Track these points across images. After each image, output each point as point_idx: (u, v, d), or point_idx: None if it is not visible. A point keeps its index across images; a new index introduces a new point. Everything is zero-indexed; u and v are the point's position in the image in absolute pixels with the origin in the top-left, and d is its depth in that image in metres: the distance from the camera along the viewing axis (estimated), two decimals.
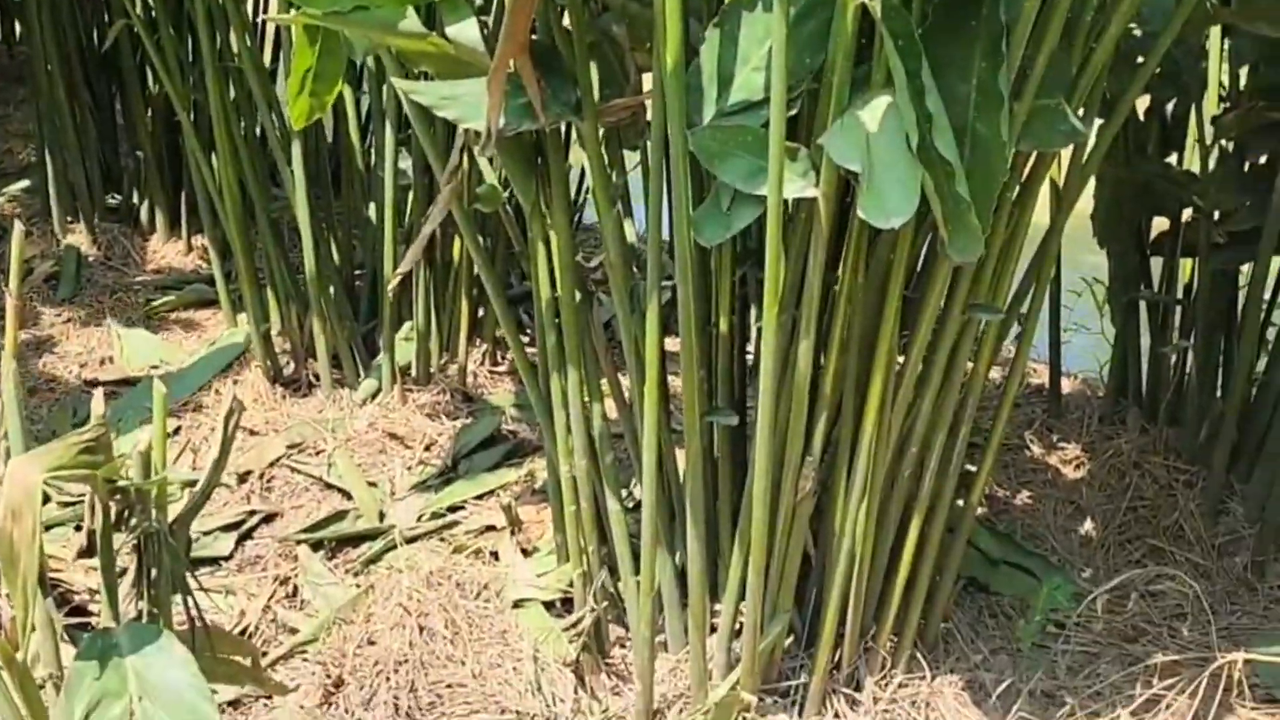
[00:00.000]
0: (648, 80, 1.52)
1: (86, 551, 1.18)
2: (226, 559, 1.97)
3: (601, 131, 1.49)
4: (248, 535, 2.02)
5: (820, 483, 1.55)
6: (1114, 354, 2.36)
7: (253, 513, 2.06)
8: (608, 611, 1.73)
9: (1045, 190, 2.05)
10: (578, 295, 1.58)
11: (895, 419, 1.52)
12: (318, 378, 2.38)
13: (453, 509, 2.07)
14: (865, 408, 1.49)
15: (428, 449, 2.21)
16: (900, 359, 1.50)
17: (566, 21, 1.43)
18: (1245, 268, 2.16)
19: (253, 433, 2.25)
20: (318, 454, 2.20)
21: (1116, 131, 1.61)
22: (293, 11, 1.32)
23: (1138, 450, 2.20)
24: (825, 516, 1.61)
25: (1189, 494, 2.11)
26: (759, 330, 1.65)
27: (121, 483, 1.11)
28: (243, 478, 2.14)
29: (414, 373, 2.39)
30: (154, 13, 2.40)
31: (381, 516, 2.05)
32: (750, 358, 1.91)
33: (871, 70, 1.31)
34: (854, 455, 1.53)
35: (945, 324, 1.48)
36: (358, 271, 2.56)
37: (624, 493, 1.71)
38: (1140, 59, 1.96)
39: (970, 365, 1.57)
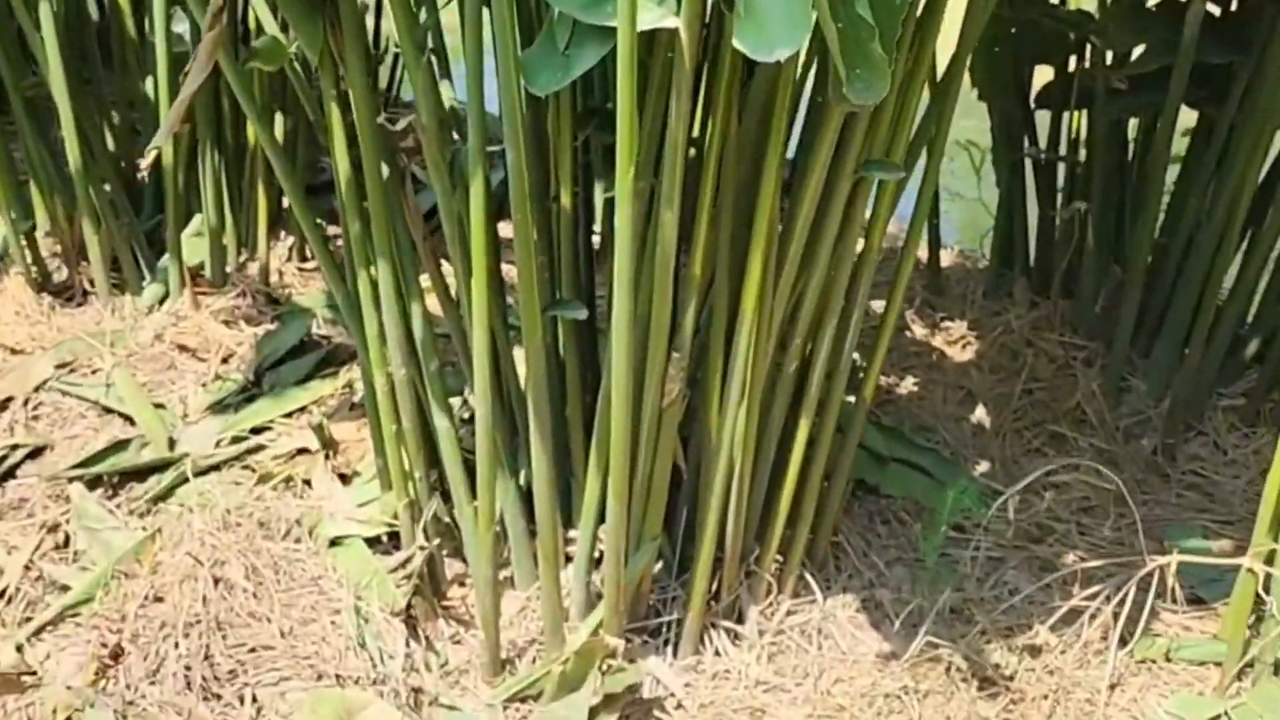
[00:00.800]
0: None
1: None
2: None
3: None
4: (9, 474, 1.69)
5: (689, 382, 1.29)
6: (998, 220, 2.14)
7: (15, 447, 1.72)
8: (442, 546, 1.46)
9: None
10: (385, 169, 1.27)
11: (778, 304, 1.26)
12: (93, 284, 2.04)
13: (256, 430, 1.76)
14: (743, 291, 1.22)
15: (225, 361, 1.89)
16: (781, 230, 1.23)
17: None
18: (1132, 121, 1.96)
19: (14, 351, 1.90)
20: (94, 373, 1.86)
21: None
22: None
23: (1029, 326, 1.99)
24: (697, 422, 1.35)
25: (1088, 372, 1.91)
26: (609, 203, 1.38)
27: None
28: (2, 405, 1.80)
29: (207, 274, 2.06)
30: None
31: (172, 444, 1.74)
32: (598, 238, 1.63)
33: None
34: (730, 348, 1.26)
35: (835, 186, 1.21)
36: (141, 161, 2.20)
37: (455, 405, 1.43)
38: None
39: (862, 237, 1.32)
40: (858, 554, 1.59)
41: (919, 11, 1.18)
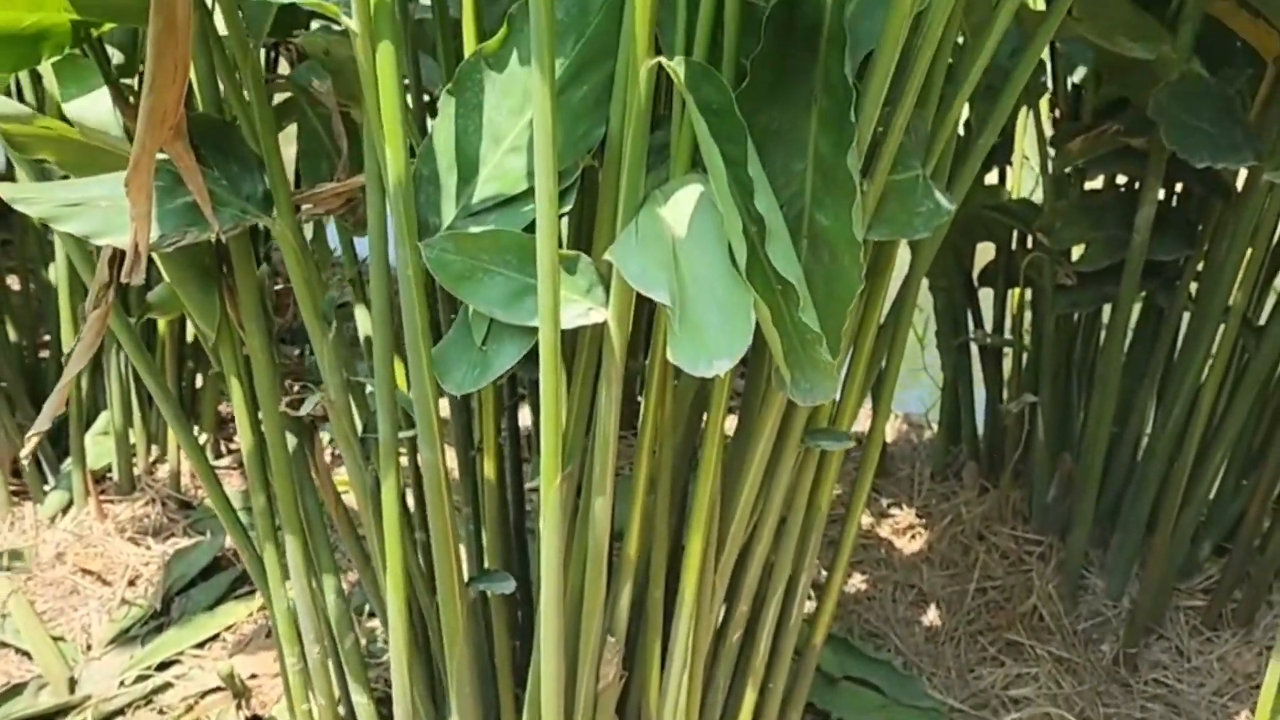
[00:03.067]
0: None
1: None
2: None
3: (309, 227, 1.09)
4: None
5: (625, 664, 1.19)
6: (944, 399, 2.07)
7: None
8: None
9: None
10: (291, 440, 1.17)
11: (720, 579, 1.17)
12: None
13: (164, 665, 1.64)
14: (683, 569, 1.13)
15: (132, 584, 1.77)
16: (721, 506, 1.14)
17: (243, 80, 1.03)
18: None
19: None
20: None
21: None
22: None
23: (980, 517, 1.91)
24: (632, 701, 1.25)
25: (1043, 569, 1.83)
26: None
27: None
28: None
29: (115, 477, 1.95)
30: None
31: (73, 685, 1.61)
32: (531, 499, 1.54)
33: (669, 137, 0.95)
34: (670, 626, 1.17)
35: (779, 460, 1.12)
36: (42, 354, 2.09)
37: (371, 675, 1.32)
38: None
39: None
40: None
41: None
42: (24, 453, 1.16)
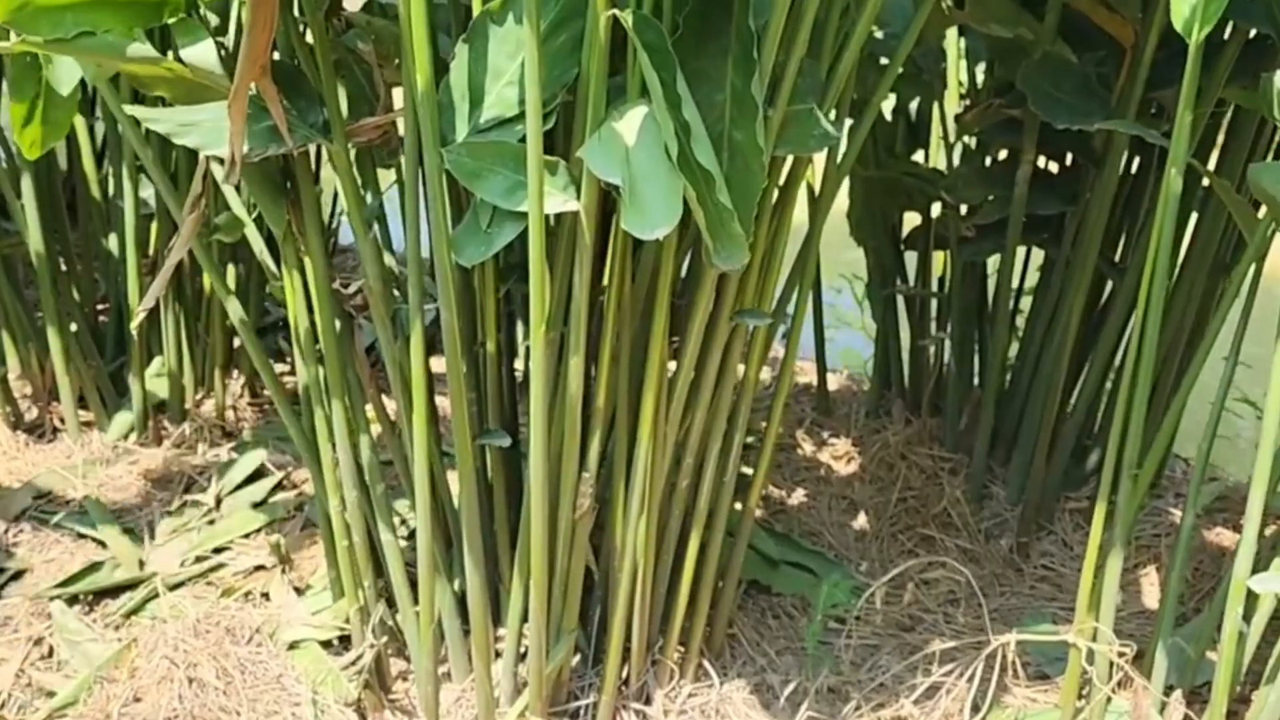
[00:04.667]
0: (398, 97, 1.48)
1: None
2: None
3: (353, 151, 1.44)
4: None
5: (598, 498, 1.53)
6: (876, 348, 2.41)
7: (1, 570, 1.92)
8: (388, 646, 1.67)
9: (803, 194, 2.10)
10: (338, 323, 1.52)
11: (670, 429, 1.51)
12: (63, 421, 2.25)
13: (218, 550, 1.98)
14: (639, 420, 1.47)
15: (187, 489, 2.11)
16: (671, 368, 1.49)
17: (310, 38, 1.38)
18: (993, 259, 2.24)
19: None
20: (67, 503, 2.07)
21: (867, 132, 1.63)
22: (12, 38, 1.23)
23: (904, 442, 2.25)
24: (605, 532, 1.59)
25: (954, 481, 2.17)
26: (527, 348, 1.63)
27: None
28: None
29: (168, 410, 2.28)
30: None
31: (141, 564, 1.94)
32: (520, 374, 1.88)
33: (626, 81, 1.30)
34: (630, 468, 1.51)
35: (714, 331, 1.47)
36: (100, 307, 2.43)
37: (396, 522, 1.65)
38: (884, 61, 2.03)
39: (741, 369, 1.57)
40: (750, 644, 1.82)
41: (778, 191, 1.45)
42: (133, 324, 1.48)
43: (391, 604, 1.68)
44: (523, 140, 1.29)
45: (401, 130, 1.45)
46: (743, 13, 1.27)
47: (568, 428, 1.43)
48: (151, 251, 2.25)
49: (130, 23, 1.27)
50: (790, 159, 1.49)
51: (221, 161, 1.32)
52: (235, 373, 2.38)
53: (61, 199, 2.39)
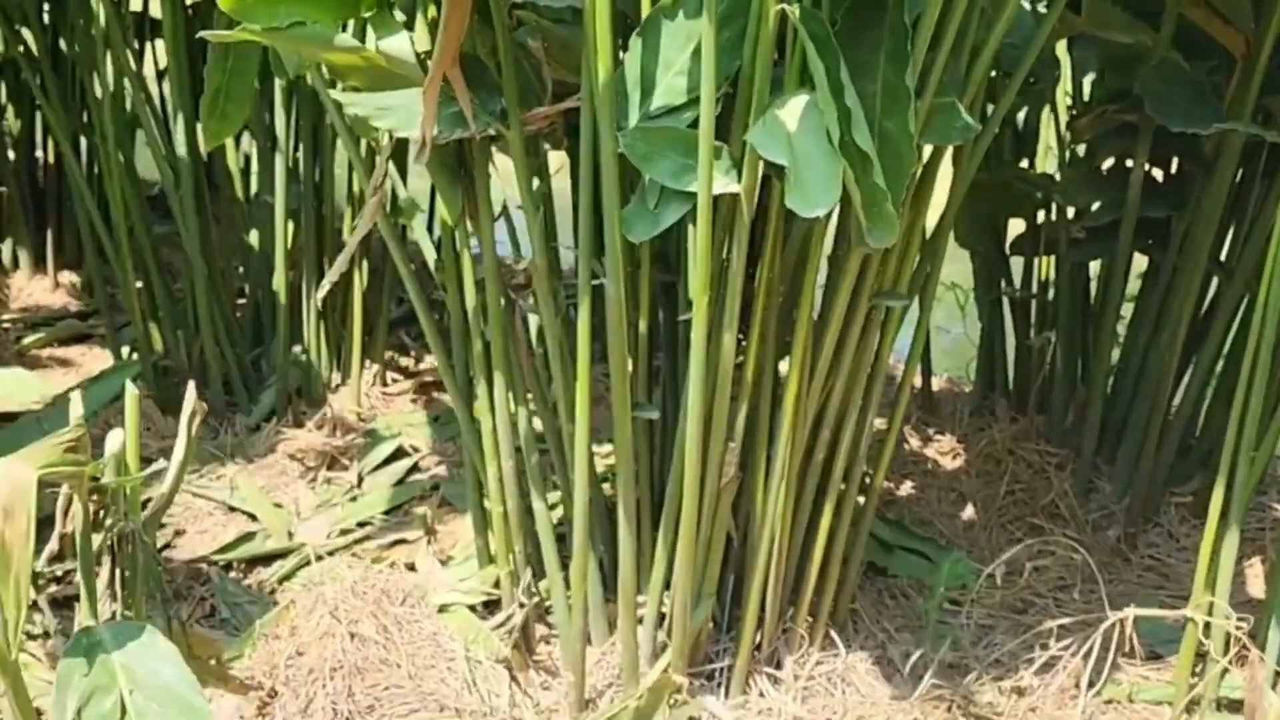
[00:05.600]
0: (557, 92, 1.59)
1: (58, 556, 1.19)
2: None
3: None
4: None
5: (741, 467, 1.63)
6: (980, 349, 2.50)
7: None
8: (534, 609, 1.78)
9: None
10: (502, 301, 1.63)
11: (810, 404, 1.61)
12: (209, 404, 2.38)
13: (361, 525, 2.09)
14: (783, 394, 1.57)
15: (329, 468, 2.23)
16: (812, 346, 1.58)
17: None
18: (1094, 263, 2.33)
19: (148, 460, 2.23)
20: (218, 478, 2.20)
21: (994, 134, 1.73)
22: (232, 28, 1.36)
23: (1010, 438, 2.33)
24: (744, 502, 1.69)
25: (1061, 475, 2.25)
26: (667, 329, 1.74)
27: (104, 481, 1.13)
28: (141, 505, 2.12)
29: (305, 396, 2.41)
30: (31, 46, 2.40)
31: (290, 536, 2.06)
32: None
33: (784, 74, 1.40)
34: (773, 440, 1.61)
35: (854, 312, 1.57)
36: (239, 301, 2.57)
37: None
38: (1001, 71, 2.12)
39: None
40: (871, 620, 1.91)
41: (917, 179, 1.55)
42: (320, 294, 1.60)
43: (536, 570, 1.78)
44: (691, 126, 1.39)
45: (564, 121, 1.57)
46: (897, 9, 1.38)
47: (717, 399, 1.53)
48: (291, 246, 2.38)
49: (335, 15, 1.39)
50: (928, 152, 1.59)
51: (406, 145, 1.43)
52: (368, 362, 2.50)
53: (207, 196, 2.53)
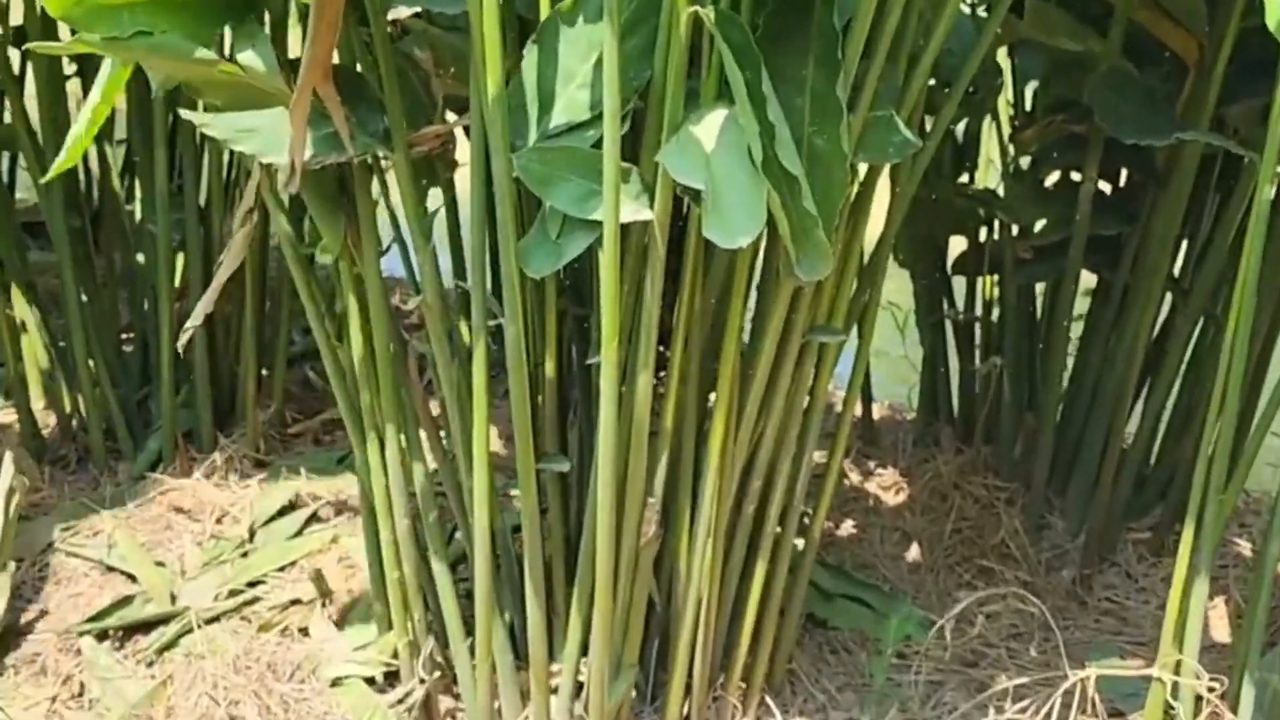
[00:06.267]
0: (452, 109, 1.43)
1: None
2: None
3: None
4: (22, 632, 1.81)
5: (661, 525, 1.46)
6: (923, 375, 2.35)
7: (26, 604, 1.85)
8: (438, 682, 1.60)
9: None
10: (392, 346, 1.45)
11: (738, 452, 1.45)
12: (89, 451, 2.18)
13: (252, 584, 1.90)
14: (708, 441, 1.41)
15: (219, 521, 2.04)
16: (739, 388, 1.42)
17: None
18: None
19: (20, 517, 2.03)
20: (95, 535, 2.00)
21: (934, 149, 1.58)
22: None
23: (956, 471, 2.18)
24: (666, 560, 1.52)
25: (1011, 511, 2.10)
26: (584, 369, 1.57)
27: None
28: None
29: (196, 440, 2.22)
30: None
31: (173, 599, 1.87)
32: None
33: (700, 85, 1.24)
34: (697, 492, 1.44)
35: (785, 348, 1.41)
36: (124, 335, 2.37)
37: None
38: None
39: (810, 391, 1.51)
40: (810, 680, 1.75)
41: (852, 201, 1.39)
42: (180, 342, 1.42)
43: (439, 638, 1.61)
44: (595, 146, 1.23)
45: (458, 142, 1.40)
46: (825, 11, 1.22)
47: (634, 448, 1.36)
48: (179, 280, 2.19)
49: (188, 25, 1.21)
50: (863, 171, 1.43)
51: (277, 171, 1.25)
52: (266, 402, 2.31)
53: (86, 220, 2.33)
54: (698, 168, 1.16)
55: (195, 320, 1.38)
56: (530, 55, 1.24)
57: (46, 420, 2.26)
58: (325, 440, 2.32)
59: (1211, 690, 1.49)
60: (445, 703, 1.65)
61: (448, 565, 1.54)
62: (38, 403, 2.25)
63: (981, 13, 1.93)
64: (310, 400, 2.46)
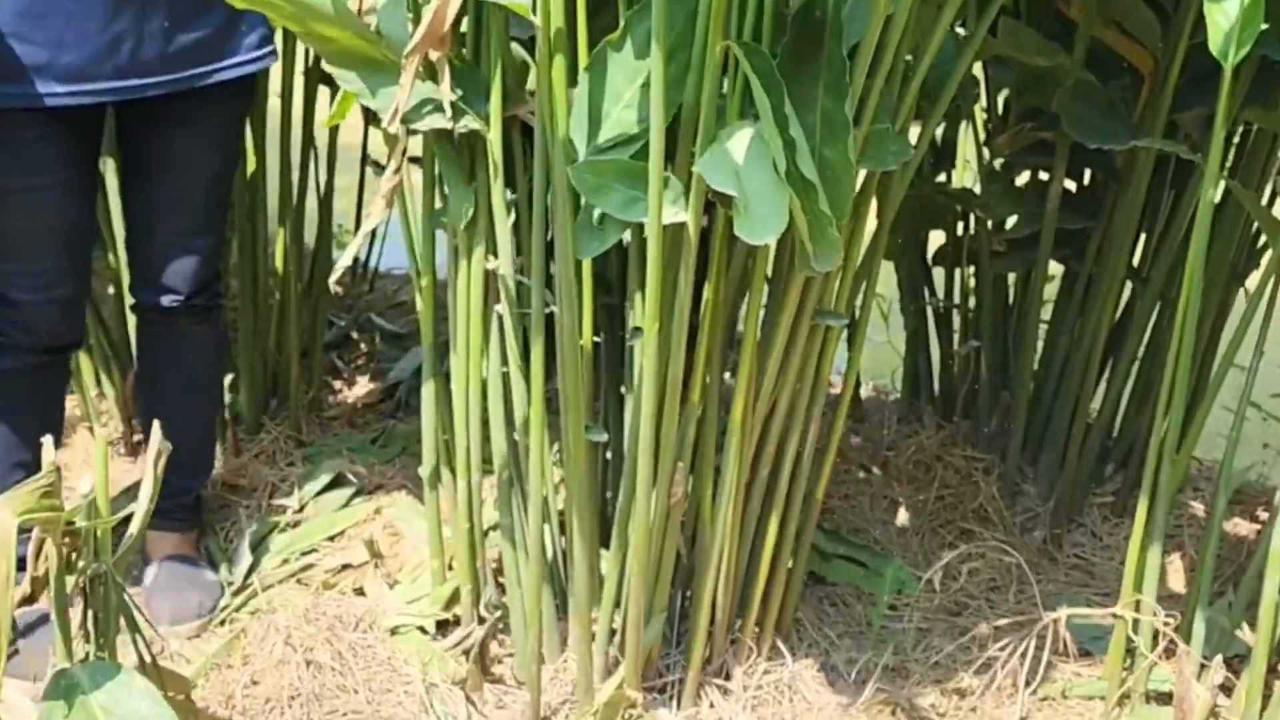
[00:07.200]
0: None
1: (29, 598, 1.19)
2: None
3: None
4: None
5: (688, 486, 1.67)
6: (906, 358, 2.57)
7: None
8: (491, 626, 1.81)
9: None
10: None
11: (755, 422, 1.66)
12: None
13: (305, 553, 2.10)
14: (731, 409, 1.62)
15: (271, 496, 2.24)
16: (757, 365, 1.63)
17: None
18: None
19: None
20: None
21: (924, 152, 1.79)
22: None
23: (938, 444, 2.39)
24: (690, 518, 1.73)
25: (988, 480, 2.32)
26: (608, 350, 1.78)
27: (77, 525, 1.14)
28: None
29: (243, 423, 2.41)
30: None
31: (231, 566, 2.07)
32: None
33: (727, 105, 1.45)
34: (721, 458, 1.65)
35: (797, 331, 1.62)
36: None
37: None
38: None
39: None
40: (814, 629, 1.96)
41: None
42: (332, 278, 1.64)
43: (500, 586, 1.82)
44: (636, 157, 1.44)
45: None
46: (834, 43, 1.43)
47: (666, 418, 1.57)
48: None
49: None
50: (862, 175, 1.64)
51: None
52: (305, 388, 2.50)
53: None
54: (730, 177, 1.37)
55: (343, 264, 1.59)
56: (584, 80, 1.45)
57: (100, 407, 2.44)
58: (359, 423, 2.51)
59: (1167, 625, 1.71)
60: (492, 648, 1.85)
61: (513, 520, 1.75)
62: (92, 390, 2.43)
63: (960, 29, 2.15)
64: (339, 386, 2.66)
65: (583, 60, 1.45)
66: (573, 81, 1.45)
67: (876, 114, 1.52)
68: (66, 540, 1.16)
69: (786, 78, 1.41)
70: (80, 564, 1.18)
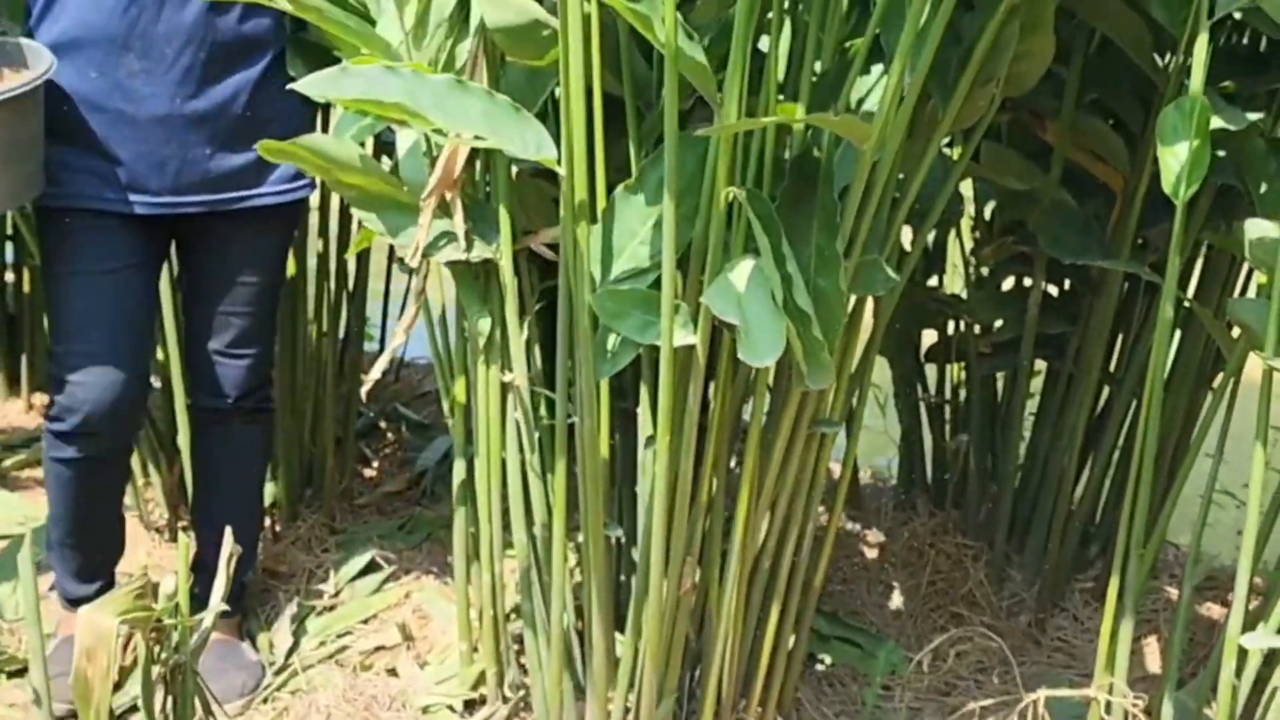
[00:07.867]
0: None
1: (116, 685, 1.35)
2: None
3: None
4: None
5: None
6: (901, 449, 2.74)
7: None
8: (515, 705, 1.97)
9: None
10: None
11: (758, 518, 1.83)
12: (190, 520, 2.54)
13: (340, 635, 2.26)
14: (735, 509, 1.79)
15: (309, 581, 2.40)
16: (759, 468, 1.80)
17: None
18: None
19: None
20: None
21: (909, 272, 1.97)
22: None
23: (930, 532, 2.56)
24: (698, 608, 1.89)
25: (977, 566, 2.48)
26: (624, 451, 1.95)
27: (165, 622, 1.31)
28: None
29: (278, 511, 2.57)
30: None
31: (272, 647, 2.23)
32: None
33: (731, 240, 1.63)
34: (726, 552, 1.82)
35: (795, 438, 1.79)
36: None
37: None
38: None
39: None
40: (813, 707, 2.12)
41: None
42: (364, 389, 1.82)
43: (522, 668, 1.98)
44: (651, 287, 1.62)
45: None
46: (826, 189, 1.62)
47: (676, 519, 1.74)
48: None
49: None
50: (854, 297, 1.82)
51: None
52: (339, 478, 2.67)
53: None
54: (733, 306, 1.55)
55: (376, 373, 1.77)
56: (605, 219, 1.63)
57: (147, 495, 2.61)
58: (387, 511, 2.68)
59: (1136, 705, 1.86)
60: None
61: (534, 607, 1.91)
62: (140, 479, 2.60)
63: (946, 149, 2.34)
64: (369, 474, 2.83)
65: (600, 202, 1.64)
66: (592, 219, 1.63)
67: (866, 245, 1.70)
68: (152, 635, 1.33)
69: (784, 217, 1.59)
70: (163, 655, 1.35)
